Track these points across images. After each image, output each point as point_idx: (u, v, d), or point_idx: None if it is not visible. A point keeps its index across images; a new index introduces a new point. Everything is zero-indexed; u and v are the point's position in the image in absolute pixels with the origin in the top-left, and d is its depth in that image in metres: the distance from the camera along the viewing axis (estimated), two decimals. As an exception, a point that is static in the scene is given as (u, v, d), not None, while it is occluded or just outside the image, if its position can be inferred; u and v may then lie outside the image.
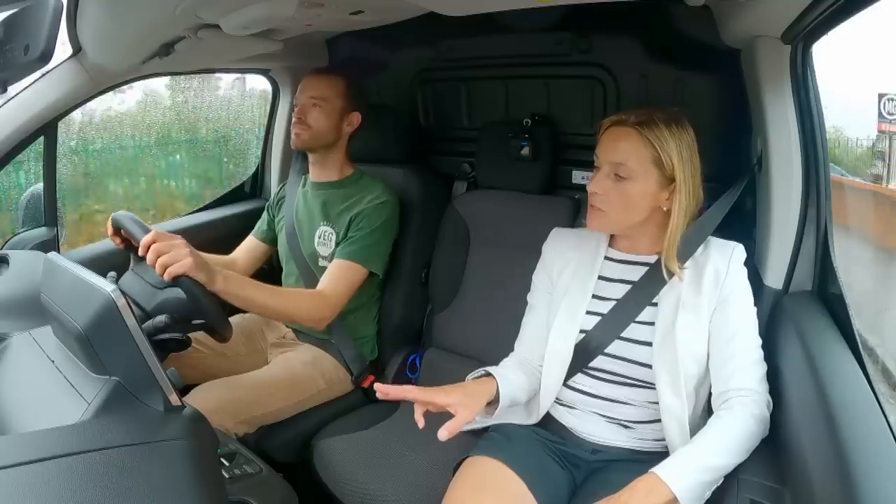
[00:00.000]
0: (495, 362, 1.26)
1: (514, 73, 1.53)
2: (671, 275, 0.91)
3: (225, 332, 1.02)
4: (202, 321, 1.02)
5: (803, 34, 0.90)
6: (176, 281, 0.96)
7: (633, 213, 0.92)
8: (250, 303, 1.10)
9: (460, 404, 0.84)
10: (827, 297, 0.93)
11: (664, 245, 0.91)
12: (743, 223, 1.04)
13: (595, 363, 0.95)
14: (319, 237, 1.37)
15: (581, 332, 0.95)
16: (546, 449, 0.97)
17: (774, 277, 0.99)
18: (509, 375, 0.96)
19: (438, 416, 1.26)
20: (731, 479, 0.79)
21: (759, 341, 0.88)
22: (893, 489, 0.54)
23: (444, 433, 0.81)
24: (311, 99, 1.34)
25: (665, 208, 0.91)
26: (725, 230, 0.97)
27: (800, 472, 0.69)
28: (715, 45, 1.11)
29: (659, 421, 0.92)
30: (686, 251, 0.91)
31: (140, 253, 1.00)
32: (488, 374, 0.95)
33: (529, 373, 1.01)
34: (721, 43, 1.09)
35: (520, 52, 1.48)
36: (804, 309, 0.91)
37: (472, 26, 1.12)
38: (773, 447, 0.81)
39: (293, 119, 1.36)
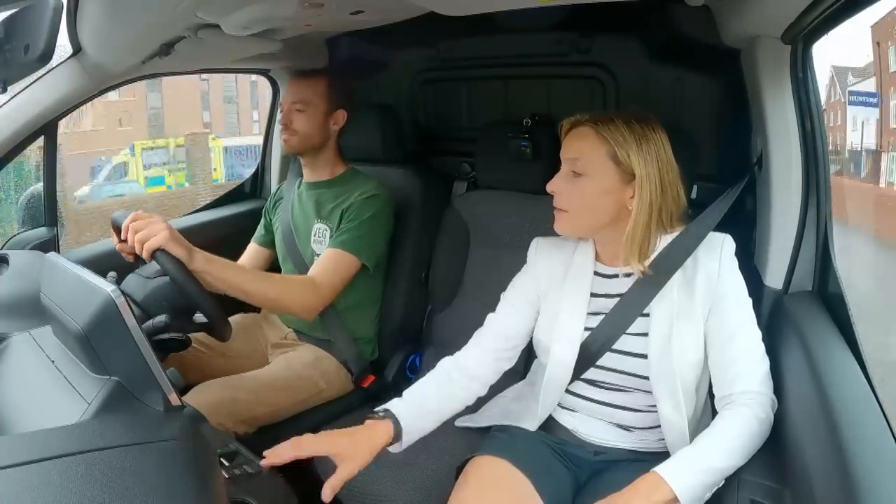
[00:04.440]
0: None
1: (514, 73, 1.53)
2: (632, 276, 0.88)
3: (223, 330, 1.02)
4: (202, 321, 1.01)
5: (803, 34, 0.90)
6: (154, 257, 0.95)
7: (596, 213, 0.89)
8: (234, 286, 1.07)
9: (344, 458, 0.80)
10: (827, 297, 0.93)
11: (623, 244, 0.87)
12: (743, 223, 1.04)
13: (589, 374, 0.94)
14: (315, 235, 1.37)
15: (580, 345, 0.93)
16: (550, 449, 0.97)
17: (774, 277, 0.99)
18: (426, 405, 0.91)
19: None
20: (732, 479, 0.79)
21: (759, 335, 0.86)
22: (893, 489, 0.54)
23: (327, 492, 0.77)
24: (294, 104, 1.35)
25: (631, 208, 0.87)
26: (725, 230, 0.97)
27: (800, 472, 0.69)
28: (715, 45, 1.11)
29: (659, 426, 0.92)
30: (680, 255, 0.88)
31: (122, 236, 1.00)
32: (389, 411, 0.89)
33: (474, 377, 0.97)
34: (721, 43, 1.09)
35: (520, 52, 1.48)
36: (804, 309, 0.91)
37: (472, 26, 1.12)
38: (773, 447, 0.81)
39: (280, 126, 1.37)
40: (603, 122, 0.87)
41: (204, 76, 10.07)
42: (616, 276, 0.94)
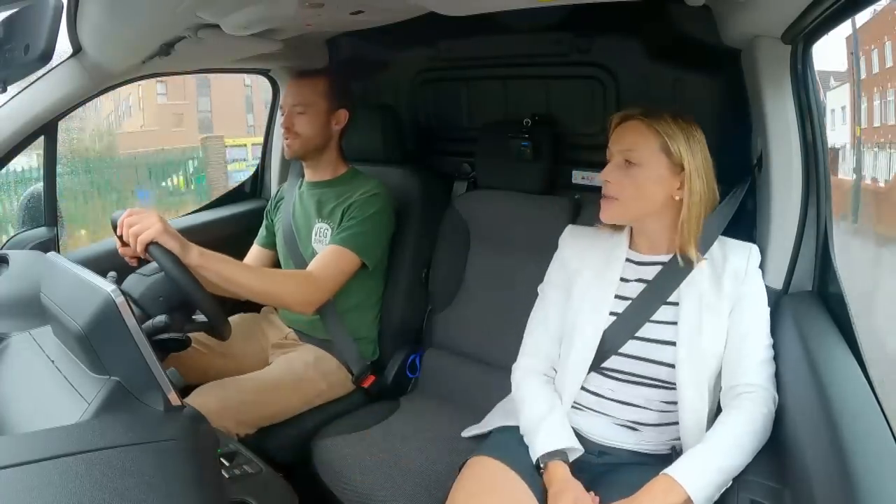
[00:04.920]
0: (495, 362, 1.27)
1: (513, 73, 1.53)
2: (688, 262, 0.92)
3: (223, 329, 1.02)
4: (202, 321, 1.01)
5: (803, 34, 0.90)
6: (147, 251, 0.96)
7: (646, 201, 0.93)
8: (231, 281, 1.07)
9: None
10: (827, 297, 0.93)
11: (678, 233, 0.92)
12: (743, 223, 1.05)
13: (610, 363, 0.95)
14: (316, 234, 1.37)
15: (603, 333, 0.95)
16: None
17: (774, 277, 0.99)
18: (562, 422, 0.95)
19: (437, 417, 1.26)
20: (732, 478, 0.79)
21: (771, 341, 0.89)
22: (893, 489, 0.54)
23: None
24: (295, 107, 1.34)
25: (678, 198, 0.92)
26: (725, 230, 0.97)
27: (800, 472, 0.69)
28: (715, 45, 1.11)
29: (668, 424, 0.93)
30: (700, 249, 0.93)
31: (118, 232, 1.00)
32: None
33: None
34: (721, 43, 1.09)
35: (520, 52, 1.48)
36: (804, 309, 0.91)
37: (472, 26, 1.12)
38: (773, 447, 0.81)
39: (282, 129, 1.36)
40: (654, 116, 0.92)
41: (247, 82, 11.45)
42: (648, 263, 0.97)
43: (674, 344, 0.91)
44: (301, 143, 1.35)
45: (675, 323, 0.92)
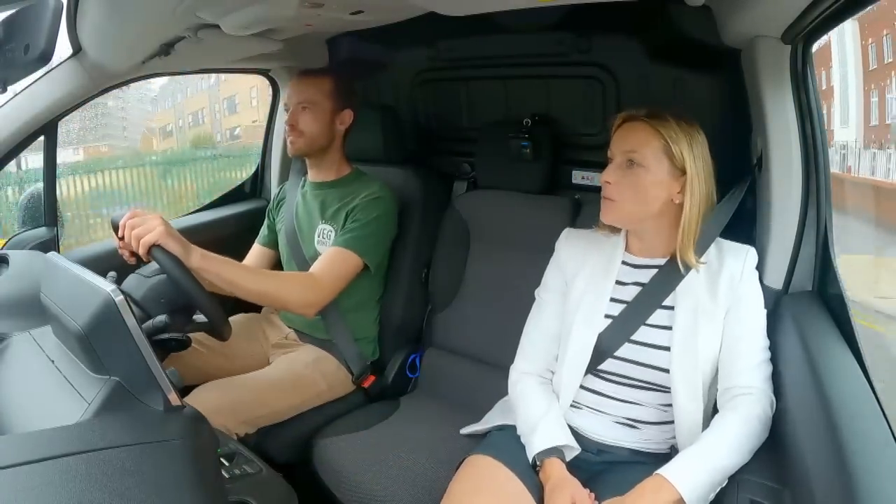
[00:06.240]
0: (495, 362, 1.27)
1: (513, 73, 1.53)
2: (687, 268, 0.91)
3: (223, 330, 1.02)
4: (202, 321, 1.01)
5: (803, 34, 0.90)
6: (150, 253, 0.96)
7: (646, 204, 0.92)
8: (233, 283, 1.07)
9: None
10: (827, 297, 0.93)
11: (679, 238, 0.91)
12: (743, 223, 1.05)
13: (606, 366, 0.95)
14: (319, 236, 1.37)
15: (598, 335, 0.95)
16: None
17: (774, 277, 0.99)
18: (558, 421, 0.95)
19: (437, 417, 1.26)
20: (731, 479, 0.79)
21: (767, 343, 0.89)
22: (893, 489, 0.54)
23: None
24: (300, 104, 1.34)
25: (677, 202, 0.91)
26: (725, 230, 0.97)
27: (800, 472, 0.69)
28: (715, 45, 1.11)
29: (667, 423, 0.93)
30: (697, 252, 0.92)
31: (119, 234, 1.00)
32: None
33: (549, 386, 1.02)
34: (721, 43, 1.09)
35: (520, 52, 1.48)
36: (804, 309, 0.91)
37: (472, 26, 1.12)
38: (773, 447, 0.81)
39: (286, 126, 1.35)
40: (657, 117, 0.91)
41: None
42: (644, 266, 0.96)
43: (668, 349, 0.91)
44: (305, 141, 1.35)
45: (669, 328, 0.92)
